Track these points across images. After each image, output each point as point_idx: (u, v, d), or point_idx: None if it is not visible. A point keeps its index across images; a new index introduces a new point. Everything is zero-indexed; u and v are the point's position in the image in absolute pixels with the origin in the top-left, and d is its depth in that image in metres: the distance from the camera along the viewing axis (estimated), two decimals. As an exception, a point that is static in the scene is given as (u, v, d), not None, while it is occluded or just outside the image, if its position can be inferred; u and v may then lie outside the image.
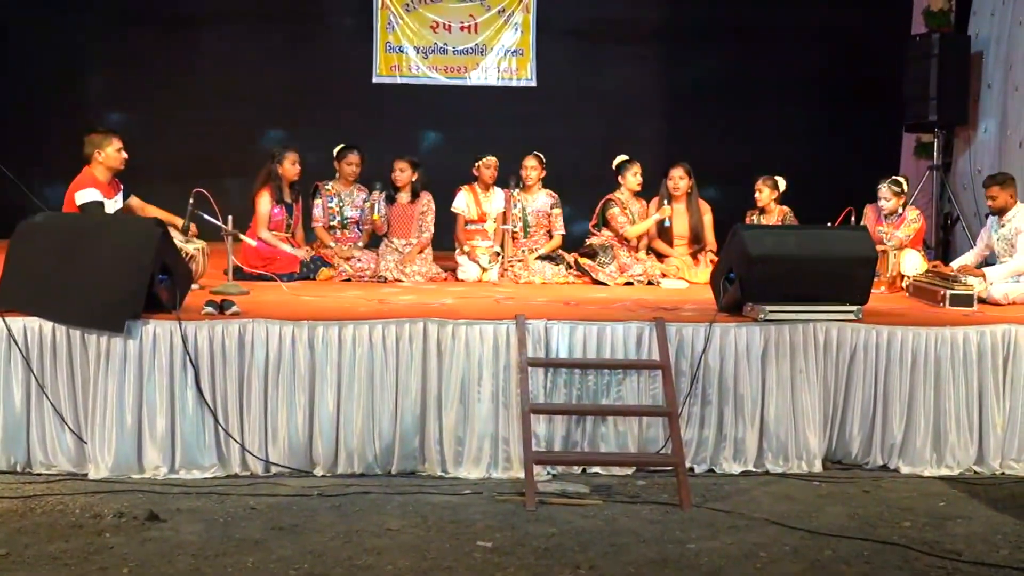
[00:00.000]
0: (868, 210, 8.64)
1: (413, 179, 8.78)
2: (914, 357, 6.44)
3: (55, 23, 11.05)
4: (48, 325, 6.04)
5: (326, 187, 8.86)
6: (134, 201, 7.72)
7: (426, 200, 8.86)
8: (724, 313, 6.53)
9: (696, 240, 9.02)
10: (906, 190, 8.69)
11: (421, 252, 8.73)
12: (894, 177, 8.68)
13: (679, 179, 8.92)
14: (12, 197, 9.03)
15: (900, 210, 8.46)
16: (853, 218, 8.34)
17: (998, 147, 9.62)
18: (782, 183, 8.91)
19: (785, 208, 8.93)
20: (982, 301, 7.31)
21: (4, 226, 6.52)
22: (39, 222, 6.36)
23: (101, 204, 7.36)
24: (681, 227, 9.01)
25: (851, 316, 6.45)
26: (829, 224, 8.08)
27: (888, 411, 6.45)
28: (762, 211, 8.93)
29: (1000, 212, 7.84)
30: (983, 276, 7.54)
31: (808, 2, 11.35)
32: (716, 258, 8.05)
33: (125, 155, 7.54)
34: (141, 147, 8.28)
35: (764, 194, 8.86)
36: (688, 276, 8.69)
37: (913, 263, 8.14)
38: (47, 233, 6.23)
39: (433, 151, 10.37)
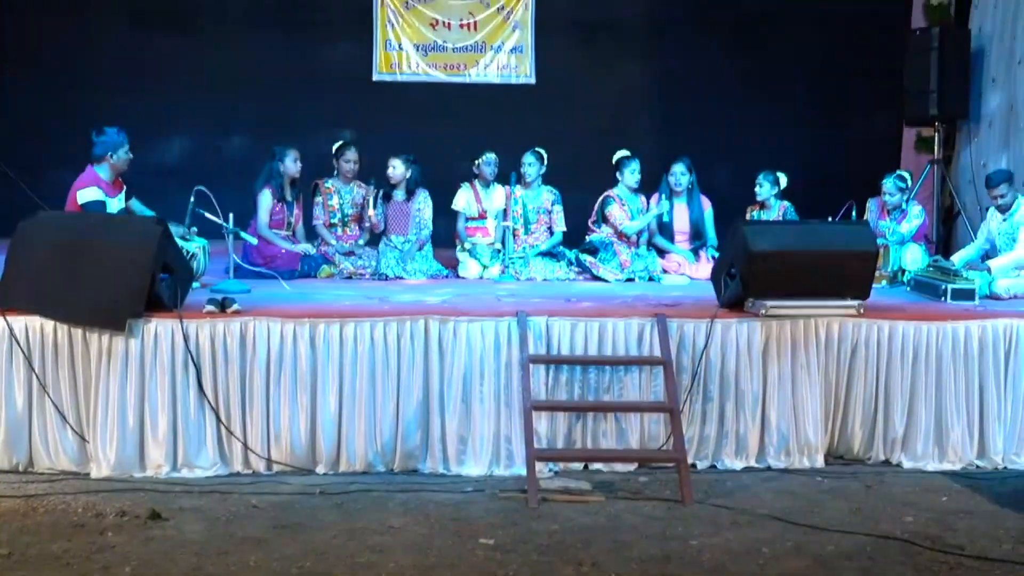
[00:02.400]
0: (870, 204, 8.62)
1: (407, 176, 8.76)
2: (915, 352, 6.44)
3: (56, 21, 11.02)
4: (50, 324, 6.04)
5: (326, 185, 8.85)
6: (135, 206, 7.72)
7: (422, 197, 8.84)
8: (725, 309, 6.52)
9: (697, 236, 8.99)
10: (910, 185, 8.67)
11: (420, 249, 8.71)
12: (899, 172, 8.67)
13: (680, 174, 8.90)
14: (13, 195, 8.99)
15: (903, 205, 8.44)
16: (854, 212, 8.32)
17: (1003, 142, 9.59)
18: (783, 178, 8.88)
19: (785, 203, 8.91)
20: (989, 295, 7.30)
21: (5, 225, 6.50)
22: (40, 221, 6.37)
23: (103, 204, 7.34)
24: (682, 223, 8.99)
25: (852, 311, 6.44)
26: (830, 219, 8.07)
27: (890, 406, 6.45)
28: (762, 206, 8.91)
29: (1006, 208, 7.84)
30: (989, 270, 7.52)
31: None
32: (716, 254, 8.03)
33: (131, 156, 7.55)
34: (141, 146, 8.26)
35: (764, 189, 8.83)
36: (689, 272, 8.66)
37: (915, 258, 8.12)
38: (48, 232, 6.23)
39: (434, 149, 10.29)
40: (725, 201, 9.24)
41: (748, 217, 8.84)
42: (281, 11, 11.35)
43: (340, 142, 8.96)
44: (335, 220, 8.83)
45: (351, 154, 8.83)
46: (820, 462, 6.39)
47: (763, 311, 6.34)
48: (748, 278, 6.39)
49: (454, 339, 6.21)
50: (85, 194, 7.33)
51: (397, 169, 8.75)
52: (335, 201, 8.82)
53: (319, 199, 8.82)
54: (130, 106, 10.69)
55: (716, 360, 6.34)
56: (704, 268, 8.53)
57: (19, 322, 6.03)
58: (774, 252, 6.37)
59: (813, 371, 6.37)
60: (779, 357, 6.35)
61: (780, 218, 8.77)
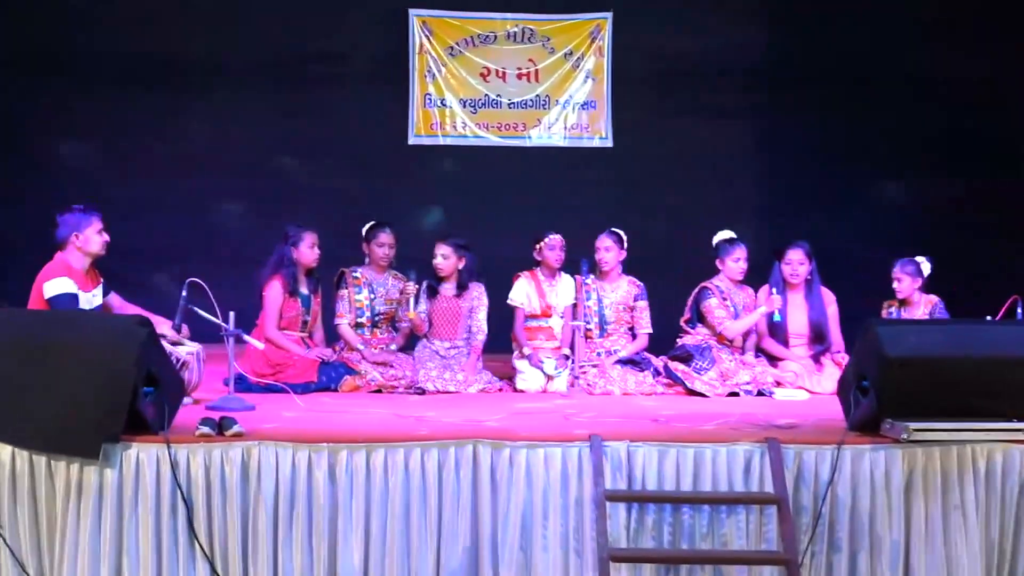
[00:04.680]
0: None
1: (460, 267, 8.84)
2: (1106, 490, 6.35)
3: (24, 82, 11.28)
4: (6, 450, 6.10)
5: (354, 275, 8.94)
6: (114, 300, 7.84)
7: (476, 292, 8.91)
8: (856, 432, 6.47)
9: (818, 339, 8.96)
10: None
11: (469, 354, 8.75)
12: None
13: (798, 264, 8.90)
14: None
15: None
16: (1020, 309, 8.26)
17: None
18: (926, 267, 8.86)
19: (932, 297, 8.88)
20: None
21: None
22: (-2, 320, 6.46)
23: (75, 297, 7.46)
24: (799, 323, 8.97)
25: (1020, 436, 6.36)
26: (989, 318, 8.02)
27: (1073, 560, 6.35)
28: (903, 302, 8.88)
29: None
30: None
31: (935, 49, 11.36)
32: (844, 362, 8.00)
33: (106, 237, 7.68)
34: (124, 227, 8.41)
35: (905, 283, 8.81)
36: (809, 385, 8.62)
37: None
38: (7, 333, 6.30)
39: (484, 229, 10.40)
40: (852, 296, 9.22)
41: (884, 315, 8.80)
42: (290, 63, 11.48)
43: (372, 222, 9.04)
44: (363, 319, 8.90)
45: (386, 236, 8.93)
46: (981, 631, 6.29)
47: (904, 435, 6.28)
48: (884, 393, 6.35)
49: (510, 470, 6.21)
50: (53, 286, 7.45)
51: (447, 259, 8.83)
52: (364, 296, 8.90)
53: (344, 292, 8.91)
54: (111, 179, 10.90)
55: (845, 498, 6.28)
56: (828, 380, 8.49)
57: (-31, 447, 6.12)
58: (918, 359, 6.32)
59: (970, 513, 6.29)
60: (926, 495, 6.28)
61: (925, 316, 8.73)
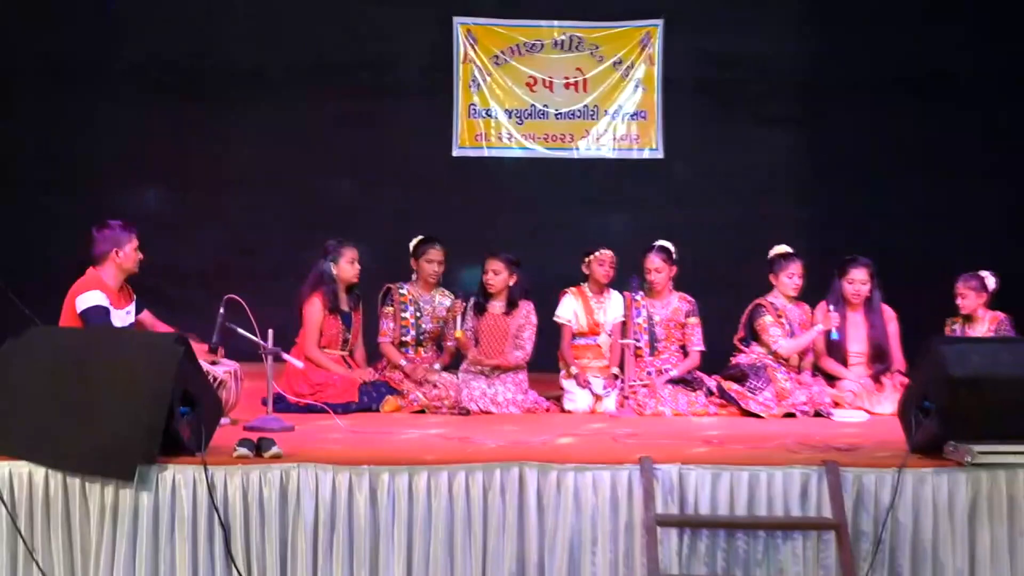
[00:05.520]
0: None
1: (511, 283, 8.84)
2: None
3: (60, 90, 11.38)
4: (40, 472, 6.13)
5: (400, 291, 8.95)
6: (146, 317, 7.90)
7: (525, 311, 8.92)
8: (917, 455, 6.43)
9: (878, 358, 8.92)
10: None
11: (515, 373, 8.75)
12: None
13: (861, 284, 8.84)
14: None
15: None
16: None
17: None
18: (991, 281, 8.81)
19: (999, 314, 8.84)
20: None
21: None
22: (30, 339, 6.48)
23: (106, 311, 7.52)
24: (858, 341, 8.93)
25: (1090, 459, 6.31)
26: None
27: None
28: (967, 319, 8.83)
29: None
30: None
31: (983, 52, 11.29)
32: (905, 381, 7.95)
33: (141, 255, 7.74)
34: (161, 242, 8.46)
35: (969, 298, 8.77)
36: (868, 405, 8.58)
37: None
38: (39, 353, 6.34)
39: (530, 243, 10.41)
40: (914, 313, 9.17)
41: (947, 332, 8.75)
42: (332, 73, 11.53)
43: (421, 237, 9.06)
44: (407, 338, 8.92)
45: (436, 252, 8.95)
46: (1051, 664, 6.23)
47: (969, 458, 6.23)
48: (948, 413, 6.31)
49: (557, 493, 6.19)
50: (85, 300, 7.51)
51: (499, 274, 8.83)
52: (410, 314, 8.92)
53: (389, 309, 8.93)
54: (146, 193, 10.97)
55: (906, 523, 6.23)
56: (888, 400, 8.44)
57: (1, 469, 6.14)
58: (983, 379, 6.28)
59: (1039, 540, 6.25)
60: (991, 520, 6.23)
61: (991, 334, 8.67)
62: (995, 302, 8.87)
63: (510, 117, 11.57)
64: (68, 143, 11.37)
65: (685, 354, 9.02)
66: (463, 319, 8.71)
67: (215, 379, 7.21)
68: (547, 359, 9.13)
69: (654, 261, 8.93)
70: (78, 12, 11.38)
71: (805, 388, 8.61)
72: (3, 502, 6.10)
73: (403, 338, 8.91)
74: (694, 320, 9.03)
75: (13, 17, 11.20)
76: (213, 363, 7.41)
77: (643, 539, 6.09)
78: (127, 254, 7.67)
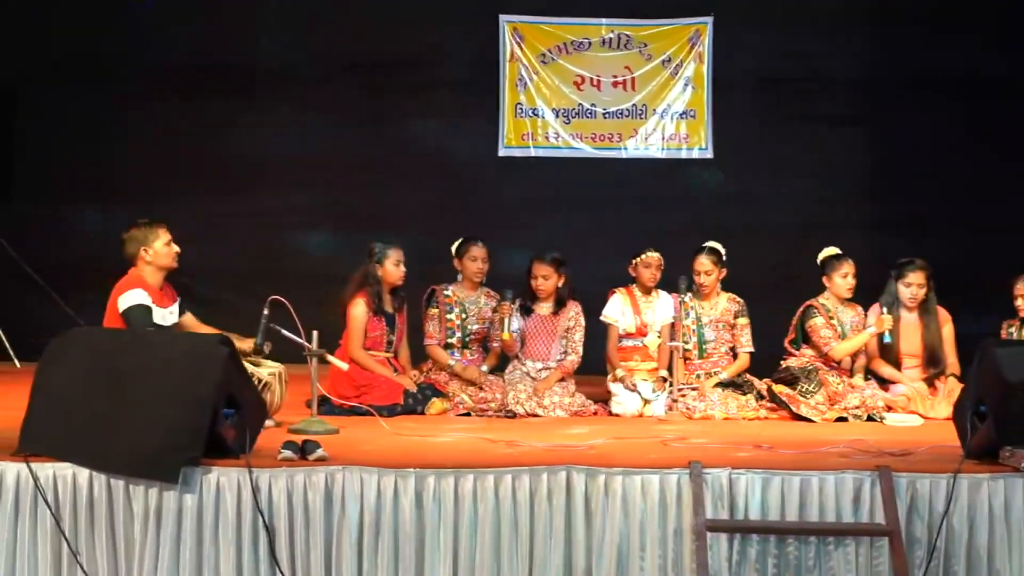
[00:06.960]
0: None
1: (559, 284, 8.85)
2: None
3: (83, 89, 11.45)
4: (83, 474, 6.17)
5: (445, 293, 8.97)
6: (188, 319, 7.93)
7: (573, 312, 8.91)
8: (973, 460, 6.40)
9: (933, 361, 8.88)
10: None
11: (563, 380, 8.75)
12: None
13: (918, 287, 8.79)
14: (42, 309, 9.32)
15: None
16: None
17: None
18: (1049, 282, 8.77)
19: (1057, 317, 8.79)
20: None
21: (32, 346, 6.70)
22: (74, 340, 6.53)
23: (148, 310, 7.57)
24: (912, 344, 8.89)
25: None
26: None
27: None
28: (1024, 321, 8.80)
29: None
30: None
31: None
32: (960, 385, 7.91)
33: (176, 248, 7.78)
34: (203, 244, 8.50)
35: (1025, 298, 8.73)
36: (922, 409, 8.54)
37: None
38: (83, 354, 6.39)
39: (578, 243, 10.41)
40: (969, 315, 9.13)
41: (1004, 335, 8.70)
42: (376, 71, 11.54)
43: (463, 237, 9.07)
44: (453, 339, 8.94)
45: (479, 250, 8.96)
46: (1111, 674, 6.18)
47: (1026, 464, 6.21)
48: (1004, 418, 6.27)
49: (605, 498, 6.18)
50: (127, 299, 7.57)
51: (548, 279, 8.82)
52: (455, 315, 8.94)
53: (435, 311, 8.95)
54: (183, 192, 11.03)
55: (961, 530, 6.19)
56: (943, 404, 8.40)
57: (45, 470, 6.18)
58: (1040, 383, 6.26)
59: (1099, 547, 6.20)
60: (1049, 527, 6.20)
61: (1049, 337, 8.65)
62: (1054, 305, 8.83)
63: (557, 116, 11.57)
64: (106, 145, 11.44)
65: (735, 356, 9.00)
66: (510, 321, 8.71)
67: (259, 381, 7.24)
68: (594, 361, 9.12)
69: (703, 263, 8.91)
70: (105, 13, 11.46)
71: (857, 392, 8.56)
72: (47, 504, 6.14)
73: (448, 340, 8.93)
74: (743, 321, 9.01)
75: (42, 18, 11.30)
76: (257, 365, 7.44)
77: (692, 544, 6.08)
78: (157, 251, 7.71)
